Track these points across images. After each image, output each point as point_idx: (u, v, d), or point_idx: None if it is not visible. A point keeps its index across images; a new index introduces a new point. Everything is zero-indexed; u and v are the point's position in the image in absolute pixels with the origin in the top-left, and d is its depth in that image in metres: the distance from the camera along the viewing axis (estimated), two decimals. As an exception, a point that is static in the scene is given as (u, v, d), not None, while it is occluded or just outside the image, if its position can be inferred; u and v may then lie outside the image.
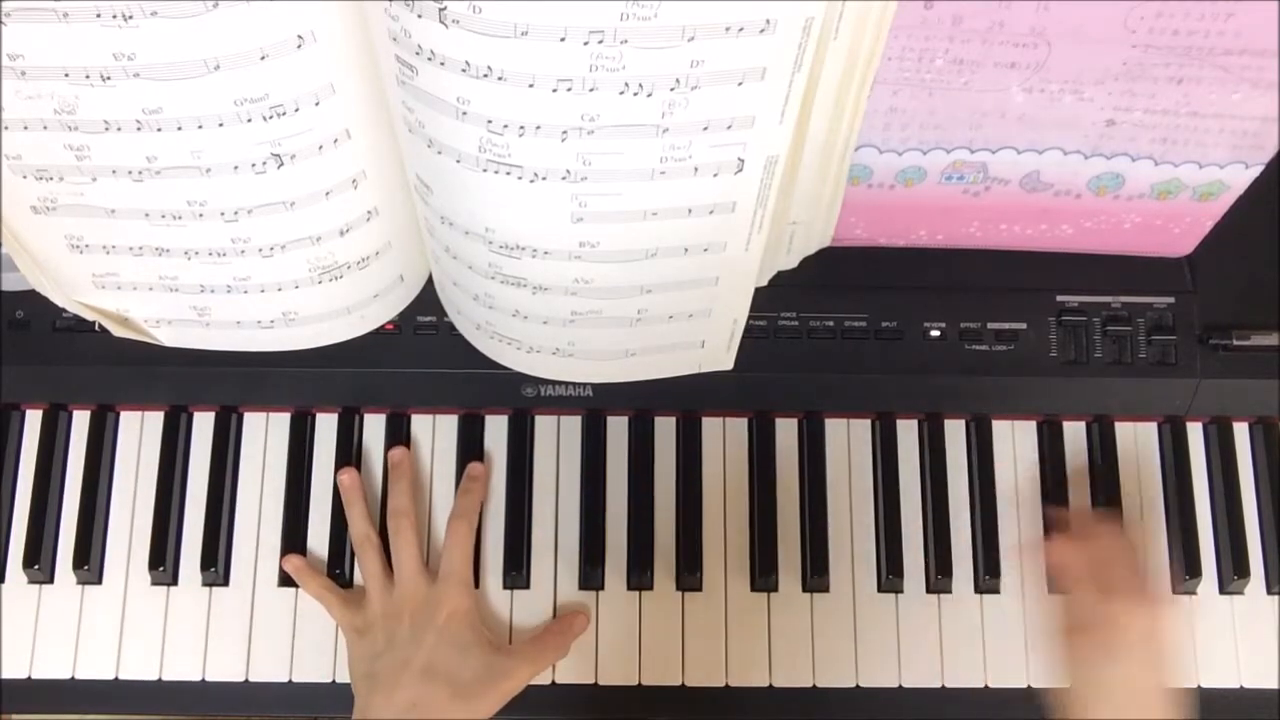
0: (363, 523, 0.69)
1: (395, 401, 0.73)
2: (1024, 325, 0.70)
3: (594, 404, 0.72)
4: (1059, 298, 0.71)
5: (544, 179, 0.52)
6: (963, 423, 0.73)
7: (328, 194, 0.57)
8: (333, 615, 0.68)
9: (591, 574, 0.70)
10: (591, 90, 0.47)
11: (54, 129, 0.53)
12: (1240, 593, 0.71)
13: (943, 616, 0.70)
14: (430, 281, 0.70)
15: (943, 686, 0.69)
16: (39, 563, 0.70)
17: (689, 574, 0.70)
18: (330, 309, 0.66)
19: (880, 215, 0.67)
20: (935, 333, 0.70)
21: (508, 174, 0.52)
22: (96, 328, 0.69)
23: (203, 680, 0.69)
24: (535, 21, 0.44)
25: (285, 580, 0.70)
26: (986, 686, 0.69)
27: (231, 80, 0.50)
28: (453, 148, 0.52)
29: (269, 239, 0.59)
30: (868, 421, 0.74)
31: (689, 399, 0.72)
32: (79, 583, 0.71)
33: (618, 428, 0.73)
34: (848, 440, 0.73)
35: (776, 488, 0.72)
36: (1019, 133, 0.59)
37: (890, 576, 0.70)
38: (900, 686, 0.69)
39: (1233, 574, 0.70)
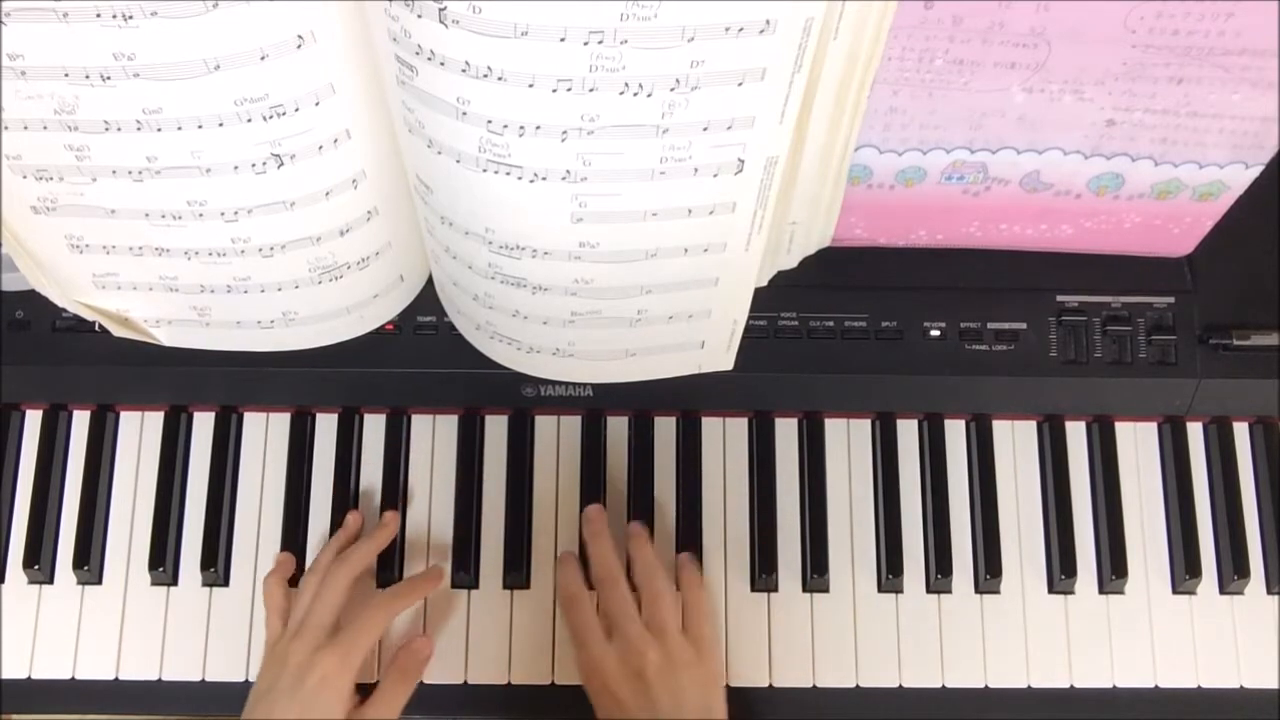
0: (327, 556, 0.68)
1: (395, 401, 0.73)
2: (1024, 325, 0.70)
3: (594, 404, 0.72)
4: (1059, 298, 0.71)
5: (544, 179, 0.52)
6: (963, 423, 0.73)
7: (328, 194, 0.57)
8: (266, 625, 0.67)
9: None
10: (591, 90, 0.48)
11: (54, 129, 0.53)
12: (1240, 593, 0.71)
13: (943, 616, 0.70)
14: (430, 281, 0.70)
15: (943, 686, 0.69)
16: (39, 563, 0.70)
17: (689, 574, 0.70)
18: (330, 309, 0.66)
19: (880, 215, 0.67)
20: (935, 333, 0.70)
21: (508, 174, 0.52)
22: (96, 328, 0.69)
23: (202, 680, 0.69)
24: (535, 21, 0.44)
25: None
26: (986, 686, 0.69)
27: (231, 80, 0.50)
28: (453, 148, 0.52)
29: (269, 239, 0.59)
30: (868, 421, 0.74)
31: (689, 399, 0.72)
32: (79, 583, 0.71)
33: (618, 428, 0.73)
34: (848, 440, 0.73)
35: (776, 488, 0.72)
36: (1019, 133, 0.59)
37: (890, 576, 0.70)
38: (900, 686, 0.69)
39: (1233, 574, 0.70)
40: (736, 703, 0.69)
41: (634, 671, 0.62)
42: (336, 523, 0.71)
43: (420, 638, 0.68)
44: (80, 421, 0.73)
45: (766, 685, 0.69)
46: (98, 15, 0.46)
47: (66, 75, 0.50)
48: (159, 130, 0.52)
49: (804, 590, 0.71)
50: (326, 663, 0.62)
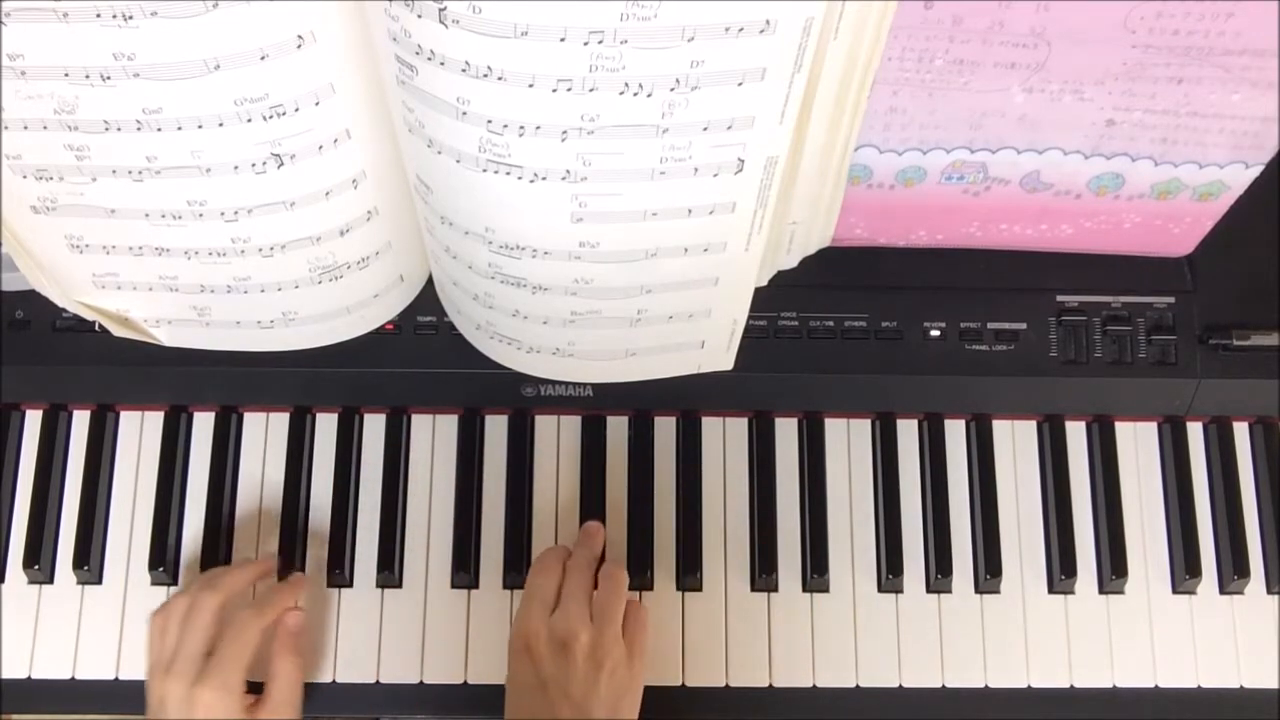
0: (209, 578, 0.66)
1: (395, 401, 0.73)
2: (1024, 325, 0.70)
3: (594, 404, 0.72)
4: (1059, 298, 0.71)
5: (544, 179, 0.52)
6: (963, 423, 0.73)
7: (328, 194, 0.57)
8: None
9: (591, 574, 0.70)
10: (591, 90, 0.48)
11: (54, 129, 0.53)
12: (1240, 593, 0.71)
13: (943, 616, 0.70)
14: (430, 281, 0.70)
15: (943, 686, 0.69)
16: (39, 563, 0.70)
17: (689, 574, 0.70)
18: (330, 309, 0.66)
19: (880, 215, 0.67)
20: (935, 333, 0.70)
21: (508, 174, 0.52)
22: (96, 328, 0.69)
23: (203, 680, 0.69)
24: (535, 21, 0.44)
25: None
26: (986, 686, 0.69)
27: (231, 80, 0.50)
28: (453, 148, 0.52)
29: (269, 239, 0.59)
30: (868, 421, 0.74)
31: (689, 399, 0.72)
32: (79, 583, 0.71)
33: (618, 428, 0.73)
34: (848, 440, 0.73)
35: (776, 488, 0.72)
36: (1019, 133, 0.59)
37: (890, 576, 0.70)
38: (900, 686, 0.69)
39: (1233, 574, 0.70)
40: (737, 703, 0.69)
41: (561, 642, 0.61)
42: (336, 524, 0.71)
43: (291, 613, 0.66)
44: (80, 421, 0.73)
45: (766, 685, 0.69)
46: (98, 15, 0.46)
47: (66, 75, 0.50)
48: (159, 130, 0.52)
49: (804, 590, 0.71)
50: (206, 697, 0.60)
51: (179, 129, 0.52)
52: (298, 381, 0.71)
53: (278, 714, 0.63)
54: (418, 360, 0.70)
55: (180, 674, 0.61)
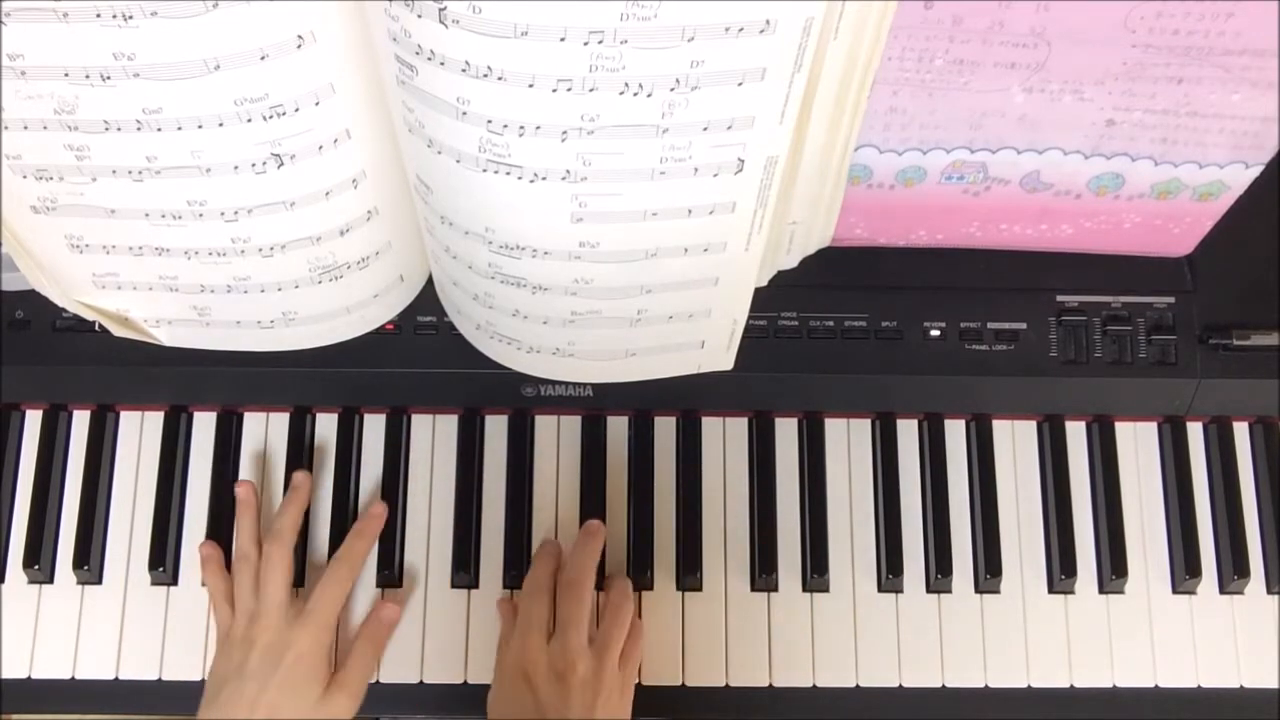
0: (247, 539, 0.68)
1: (395, 401, 0.73)
2: (1024, 325, 0.70)
3: (594, 404, 0.72)
4: (1059, 298, 0.71)
5: (544, 179, 0.52)
6: (963, 423, 0.73)
7: (328, 194, 0.57)
8: (215, 615, 0.68)
9: (591, 574, 0.70)
10: (591, 90, 0.48)
11: (54, 129, 0.53)
12: (1240, 593, 0.71)
13: (943, 616, 0.70)
14: (430, 281, 0.70)
15: (943, 686, 0.69)
16: (39, 563, 0.70)
17: (689, 574, 0.70)
18: (330, 309, 0.66)
19: (880, 215, 0.67)
20: (935, 333, 0.70)
21: (508, 174, 0.52)
22: (96, 328, 0.69)
23: (202, 680, 0.69)
24: (535, 21, 0.44)
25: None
26: (986, 686, 0.69)
27: (231, 80, 0.50)
28: (453, 148, 0.52)
29: (269, 239, 0.59)
30: (868, 421, 0.74)
31: (689, 399, 0.72)
32: (79, 583, 0.71)
33: (618, 428, 0.73)
34: (848, 440, 0.73)
35: (776, 488, 0.72)
36: (1019, 133, 0.59)
37: (890, 576, 0.70)
38: (900, 686, 0.69)
39: (1233, 574, 0.70)
40: (737, 703, 0.69)
41: (558, 674, 0.62)
42: (337, 522, 0.71)
43: (388, 605, 0.68)
44: (80, 421, 0.73)
45: (766, 685, 0.69)
46: (98, 15, 0.46)
47: (66, 75, 0.50)
48: (159, 130, 0.52)
49: (804, 590, 0.71)
50: (301, 639, 0.63)
51: (179, 129, 0.52)
52: (298, 381, 0.71)
53: (344, 693, 0.64)
54: (418, 360, 0.70)
55: (271, 620, 0.64)
